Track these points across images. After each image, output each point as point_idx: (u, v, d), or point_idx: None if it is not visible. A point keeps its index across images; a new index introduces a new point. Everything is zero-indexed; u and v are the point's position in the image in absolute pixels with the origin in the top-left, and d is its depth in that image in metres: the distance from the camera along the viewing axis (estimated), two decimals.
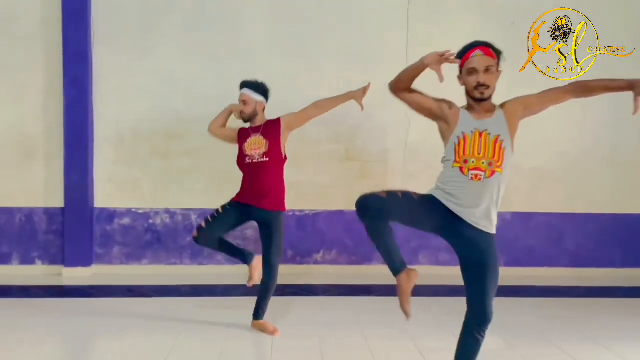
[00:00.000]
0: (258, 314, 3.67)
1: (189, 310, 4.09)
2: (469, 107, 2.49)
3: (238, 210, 3.58)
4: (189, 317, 3.89)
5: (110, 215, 5.26)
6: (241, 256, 3.72)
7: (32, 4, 5.10)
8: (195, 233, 3.60)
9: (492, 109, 2.46)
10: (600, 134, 5.46)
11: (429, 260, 5.43)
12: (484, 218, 2.38)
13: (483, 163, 2.36)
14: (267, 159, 3.53)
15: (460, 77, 2.48)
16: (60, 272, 5.13)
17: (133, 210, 5.28)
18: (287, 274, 5.19)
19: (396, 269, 2.48)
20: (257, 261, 3.71)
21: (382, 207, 2.32)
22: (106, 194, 5.23)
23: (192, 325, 3.73)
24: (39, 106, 5.16)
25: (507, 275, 5.18)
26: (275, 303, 3.80)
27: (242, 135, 3.67)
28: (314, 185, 5.35)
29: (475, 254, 2.38)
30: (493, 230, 2.42)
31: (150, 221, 5.29)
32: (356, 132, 5.34)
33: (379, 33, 5.34)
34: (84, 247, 5.15)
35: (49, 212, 5.20)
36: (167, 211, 5.31)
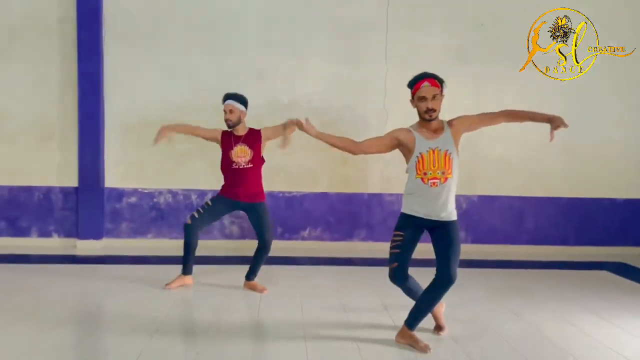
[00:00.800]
0: (250, 276, 4.31)
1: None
2: (420, 127, 3.18)
3: (225, 202, 4.19)
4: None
5: (119, 194, 5.87)
6: (185, 266, 4.26)
7: (49, 5, 5.67)
8: (188, 220, 4.15)
9: (440, 128, 3.17)
10: None
11: None
12: (443, 210, 3.11)
13: (438, 173, 3.09)
14: (252, 165, 4.10)
15: (412, 101, 3.18)
16: (75, 244, 5.75)
17: (139, 190, 5.89)
18: (276, 248, 5.72)
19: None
20: (189, 279, 4.29)
21: (401, 271, 3.16)
22: (116, 175, 5.83)
23: (191, 287, 4.34)
24: (55, 96, 5.75)
25: (473, 251, 5.88)
26: (264, 272, 4.44)
27: (226, 141, 4.13)
28: (302, 170, 5.96)
29: (442, 236, 3.13)
30: (454, 218, 3.15)
31: (155, 200, 5.90)
32: (340, 122, 5.88)
33: (361, 33, 5.90)
34: (96, 222, 5.77)
35: (64, 191, 5.81)
36: (170, 191, 5.92)
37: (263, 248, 4.25)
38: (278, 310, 3.84)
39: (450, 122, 3.18)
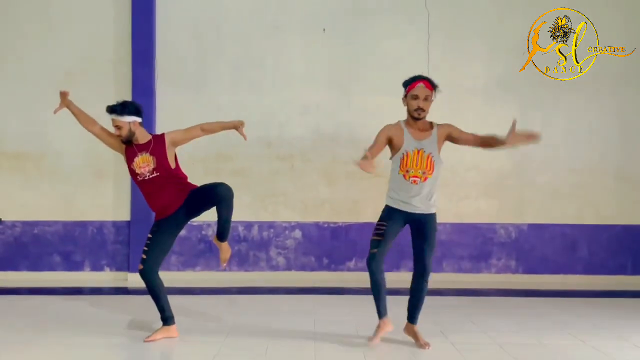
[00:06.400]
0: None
1: (237, 307, 4.71)
2: (409, 125, 3.45)
3: (167, 225, 3.74)
4: (238, 311, 4.55)
5: None
6: (164, 314, 3.76)
7: (105, 48, 6.01)
8: (140, 266, 3.67)
9: (427, 128, 3.50)
10: (607, 151, 5.95)
11: (452, 268, 5.96)
12: (424, 202, 3.45)
13: (419, 172, 3.42)
14: (158, 174, 3.68)
15: (404, 99, 3.45)
16: (126, 277, 5.85)
17: (188, 223, 5.98)
18: (322, 279, 5.81)
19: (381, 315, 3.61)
20: (174, 330, 3.75)
21: (380, 258, 3.48)
22: None
23: (240, 317, 4.36)
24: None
25: (524, 281, 5.73)
26: (313, 301, 4.53)
27: (128, 153, 3.77)
28: (346, 201, 5.98)
29: (420, 230, 3.49)
30: (433, 211, 3.51)
31: (203, 232, 6.00)
32: (383, 152, 5.92)
33: (402, 64, 5.98)
34: None
35: (116, 225, 5.98)
36: None
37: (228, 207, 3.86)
38: (336, 337, 3.81)
39: (438, 126, 3.47)
